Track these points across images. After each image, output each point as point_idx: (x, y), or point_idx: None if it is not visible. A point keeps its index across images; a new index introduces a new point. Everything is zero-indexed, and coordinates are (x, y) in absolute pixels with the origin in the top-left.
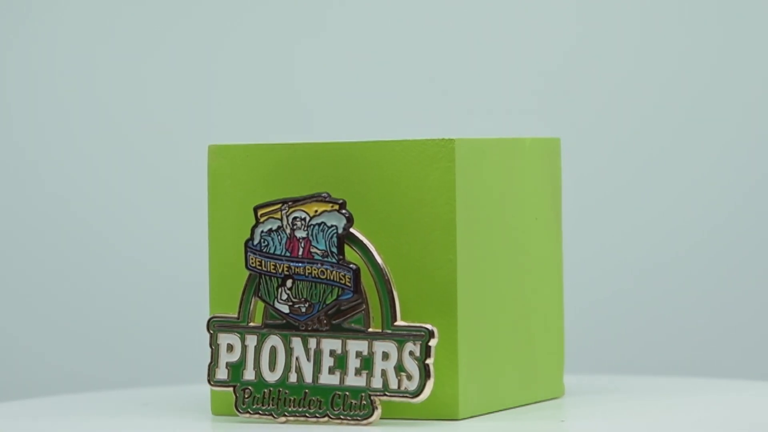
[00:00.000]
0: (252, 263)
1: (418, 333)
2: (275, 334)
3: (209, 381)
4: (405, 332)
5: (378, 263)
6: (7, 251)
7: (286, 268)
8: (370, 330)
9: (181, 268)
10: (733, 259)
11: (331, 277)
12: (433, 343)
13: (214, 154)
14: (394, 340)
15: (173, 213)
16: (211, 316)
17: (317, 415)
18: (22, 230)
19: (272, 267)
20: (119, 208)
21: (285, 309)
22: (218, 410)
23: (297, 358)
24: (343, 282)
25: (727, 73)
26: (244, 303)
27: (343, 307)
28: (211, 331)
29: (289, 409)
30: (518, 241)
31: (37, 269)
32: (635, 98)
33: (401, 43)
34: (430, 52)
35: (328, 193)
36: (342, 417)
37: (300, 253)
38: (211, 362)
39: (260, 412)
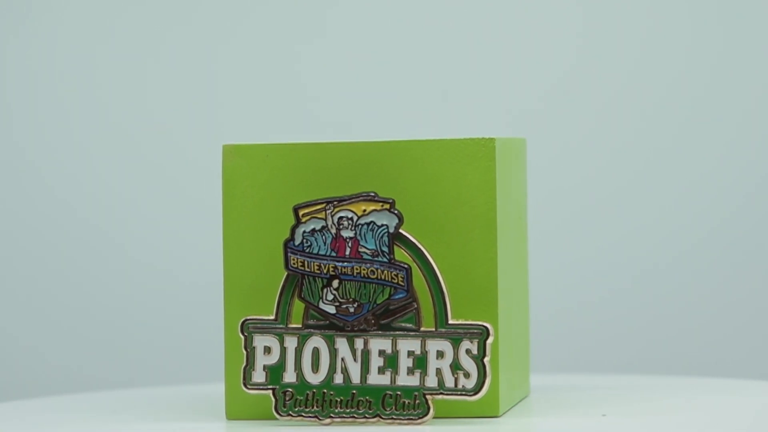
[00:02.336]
0: (293, 264)
1: (476, 331)
2: (317, 335)
3: (245, 384)
4: (462, 330)
5: (430, 262)
6: (9, 251)
7: (331, 269)
8: (423, 329)
9: (184, 268)
10: (733, 260)
11: (383, 277)
12: (490, 341)
13: (230, 154)
14: (450, 339)
15: (178, 213)
16: (245, 318)
17: (366, 415)
18: (23, 231)
19: (316, 267)
20: (122, 208)
21: (331, 310)
22: (233, 414)
23: (343, 359)
24: (395, 281)
25: (727, 76)
26: (281, 304)
27: (392, 307)
28: (245, 334)
29: (336, 411)
30: (518, 240)
31: (38, 269)
32: (634, 101)
33: (401, 44)
34: (432, 52)
35: (375, 192)
36: (395, 417)
37: (347, 252)
38: (246, 365)
39: (303, 414)
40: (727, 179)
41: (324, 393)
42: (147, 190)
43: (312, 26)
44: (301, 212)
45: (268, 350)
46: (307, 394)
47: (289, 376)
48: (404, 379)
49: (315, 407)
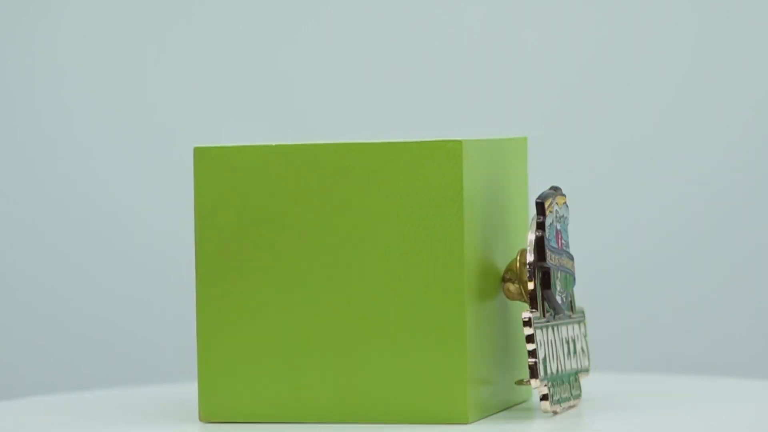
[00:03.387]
0: (550, 260)
1: (582, 315)
2: (555, 325)
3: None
4: (581, 315)
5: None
6: (11, 252)
7: (557, 260)
8: (572, 315)
9: (184, 267)
10: (735, 259)
11: (570, 267)
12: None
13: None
14: (578, 323)
15: (178, 213)
16: (528, 315)
17: (572, 398)
18: (26, 231)
19: (557, 261)
20: (120, 208)
21: (560, 301)
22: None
23: (562, 347)
24: (573, 271)
25: (732, 81)
26: (538, 299)
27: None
28: (532, 331)
29: (571, 395)
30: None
31: (38, 268)
32: (639, 102)
33: (403, 43)
34: (437, 52)
35: (558, 186)
36: (571, 399)
37: (560, 245)
38: (535, 361)
39: (562, 403)
40: (729, 178)
41: (570, 381)
42: (144, 191)
43: (305, 27)
44: (546, 204)
45: (541, 344)
46: (564, 384)
47: (553, 367)
48: (579, 363)
49: (568, 395)
